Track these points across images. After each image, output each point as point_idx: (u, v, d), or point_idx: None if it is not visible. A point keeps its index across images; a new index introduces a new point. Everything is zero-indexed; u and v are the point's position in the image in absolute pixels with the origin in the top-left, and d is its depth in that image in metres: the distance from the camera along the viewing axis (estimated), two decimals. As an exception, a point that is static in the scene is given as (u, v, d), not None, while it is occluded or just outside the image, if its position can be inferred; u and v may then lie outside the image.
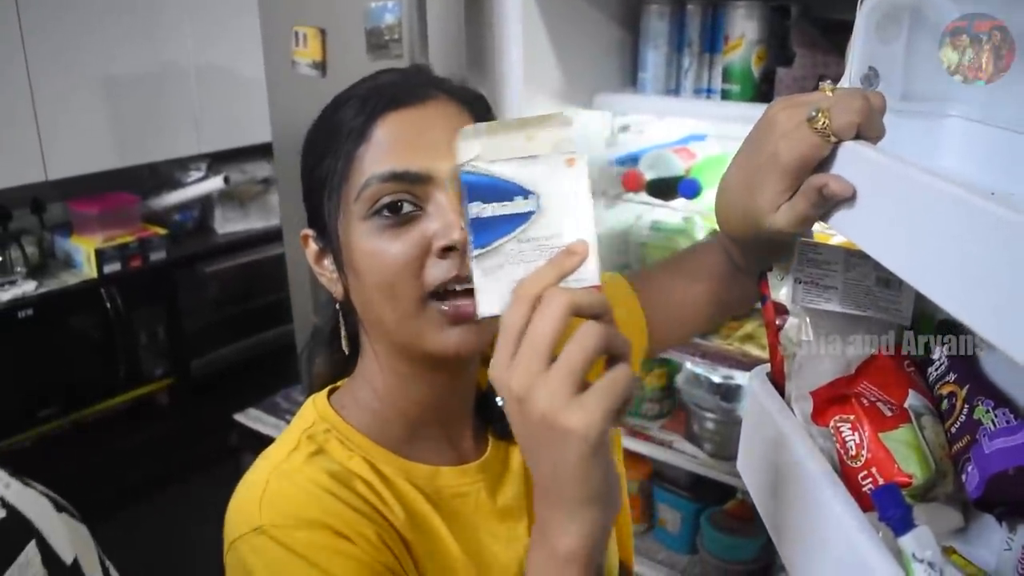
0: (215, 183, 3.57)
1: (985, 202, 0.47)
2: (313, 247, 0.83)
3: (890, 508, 0.60)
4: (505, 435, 0.90)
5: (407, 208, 0.74)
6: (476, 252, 0.59)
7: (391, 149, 0.75)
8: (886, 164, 0.60)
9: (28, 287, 3.03)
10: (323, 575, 0.69)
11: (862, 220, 0.63)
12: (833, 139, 0.64)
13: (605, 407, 0.55)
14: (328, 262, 0.82)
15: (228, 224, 3.72)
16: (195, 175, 3.61)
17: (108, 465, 3.20)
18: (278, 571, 0.70)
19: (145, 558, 2.73)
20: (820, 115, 0.64)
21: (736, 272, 0.95)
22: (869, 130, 0.64)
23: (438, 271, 0.74)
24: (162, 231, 3.38)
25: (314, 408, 0.84)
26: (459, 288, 0.74)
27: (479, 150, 0.60)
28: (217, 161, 3.67)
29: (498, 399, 0.90)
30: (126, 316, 3.23)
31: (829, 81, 0.69)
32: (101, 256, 3.16)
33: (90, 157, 3.16)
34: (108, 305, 3.17)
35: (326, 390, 0.86)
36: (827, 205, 0.66)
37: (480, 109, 0.83)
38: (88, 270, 3.18)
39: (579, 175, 0.59)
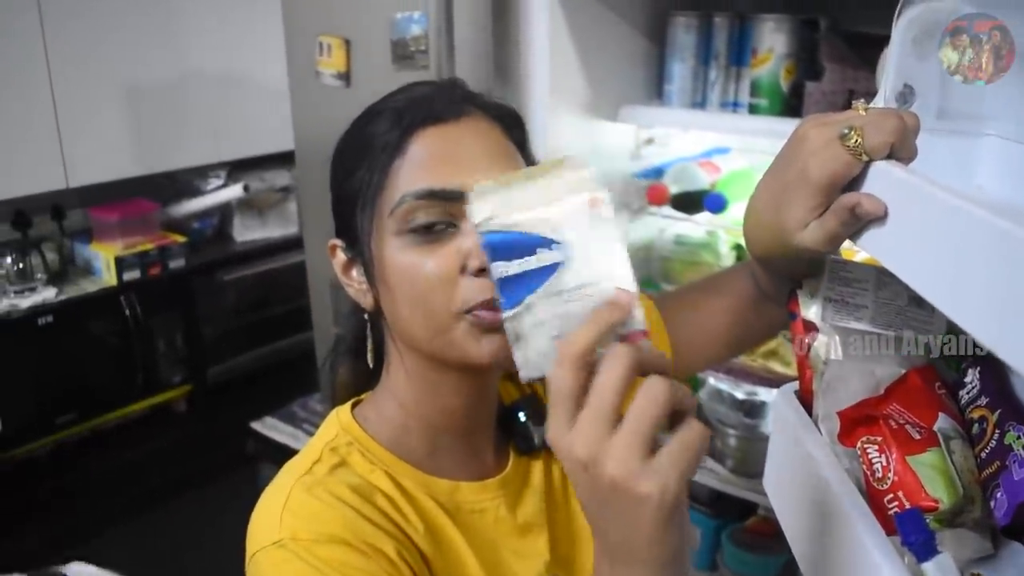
0: (234, 191, 3.60)
1: (1017, 228, 0.45)
2: (341, 257, 0.83)
3: (912, 533, 0.60)
4: (527, 450, 0.90)
5: (441, 225, 0.74)
6: (507, 313, 0.56)
7: (426, 165, 0.75)
8: (917, 185, 0.58)
9: (48, 294, 3.06)
10: None
11: (891, 241, 0.62)
12: (865, 158, 0.63)
13: (680, 470, 0.52)
14: (356, 272, 0.82)
15: (247, 232, 3.75)
16: (214, 183, 3.64)
17: (125, 472, 3.22)
18: None
19: (161, 565, 2.73)
20: (853, 133, 0.63)
21: (763, 299, 0.94)
22: (902, 151, 0.63)
23: (472, 292, 0.73)
24: (181, 239, 3.40)
25: (338, 421, 0.84)
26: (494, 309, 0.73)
27: (492, 208, 0.56)
28: (236, 169, 3.70)
29: (521, 415, 0.90)
30: (145, 323, 3.25)
31: (863, 100, 0.68)
32: (121, 263, 3.18)
33: (110, 164, 3.19)
34: (127, 312, 3.19)
35: (350, 403, 0.86)
36: (858, 224, 0.65)
37: (513, 125, 0.83)
38: (108, 277, 3.20)
39: (604, 215, 0.55)
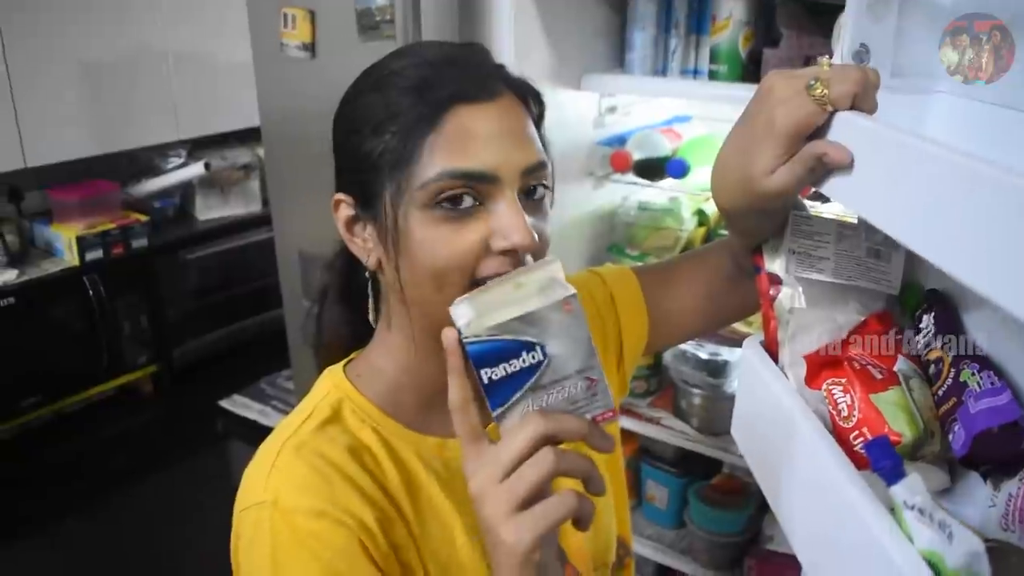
0: (195, 169, 3.56)
1: (979, 164, 0.49)
2: (345, 212, 0.82)
3: (882, 459, 0.62)
4: None
5: (470, 203, 0.74)
6: (496, 412, 0.63)
7: (463, 146, 0.74)
8: (880, 131, 0.62)
9: (9, 276, 3.01)
10: (316, 561, 0.72)
11: (857, 186, 0.65)
12: (829, 108, 0.67)
13: (538, 531, 0.60)
14: (361, 229, 0.81)
15: (209, 211, 3.71)
16: (175, 161, 3.59)
17: (92, 454, 3.20)
18: (274, 548, 0.73)
19: (131, 546, 2.73)
20: (819, 84, 0.66)
21: (739, 276, 0.97)
22: (864, 102, 0.67)
23: (493, 265, 0.74)
24: (143, 218, 3.37)
25: (330, 379, 0.85)
26: None
27: (472, 313, 0.63)
28: (197, 147, 3.66)
29: None
30: (108, 304, 3.22)
31: (827, 56, 0.72)
32: (82, 243, 3.14)
33: (69, 144, 3.14)
34: (90, 292, 3.15)
35: (342, 362, 0.87)
36: (823, 171, 0.69)
37: (536, 107, 0.82)
38: (70, 257, 3.16)
39: (577, 316, 0.62)
